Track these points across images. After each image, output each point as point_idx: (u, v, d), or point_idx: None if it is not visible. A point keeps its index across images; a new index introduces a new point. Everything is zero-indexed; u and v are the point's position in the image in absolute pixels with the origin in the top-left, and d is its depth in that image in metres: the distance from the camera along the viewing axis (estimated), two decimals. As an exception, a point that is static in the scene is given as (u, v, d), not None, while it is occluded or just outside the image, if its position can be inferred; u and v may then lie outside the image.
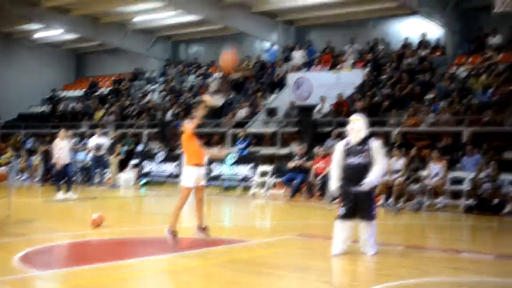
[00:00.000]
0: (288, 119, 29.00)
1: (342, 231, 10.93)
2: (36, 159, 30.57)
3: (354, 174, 10.77)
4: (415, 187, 19.90)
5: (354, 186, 10.75)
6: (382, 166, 11.05)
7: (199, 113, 12.10)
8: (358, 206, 10.79)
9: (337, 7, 32.59)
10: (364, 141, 10.89)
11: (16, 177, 30.44)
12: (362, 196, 10.76)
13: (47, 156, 27.14)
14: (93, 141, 26.89)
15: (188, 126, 12.21)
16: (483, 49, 28.42)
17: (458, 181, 20.44)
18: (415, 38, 30.87)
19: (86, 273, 10.18)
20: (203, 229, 12.49)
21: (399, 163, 20.60)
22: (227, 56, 12.85)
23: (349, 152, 10.86)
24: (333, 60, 31.90)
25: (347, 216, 10.87)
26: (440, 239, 14.61)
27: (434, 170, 20.20)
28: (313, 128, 25.61)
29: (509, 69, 26.28)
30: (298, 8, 33.54)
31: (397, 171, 20.48)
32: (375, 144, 10.96)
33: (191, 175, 12.10)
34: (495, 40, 28.49)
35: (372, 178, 10.78)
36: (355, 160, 10.81)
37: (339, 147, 11.06)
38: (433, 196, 19.99)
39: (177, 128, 12.80)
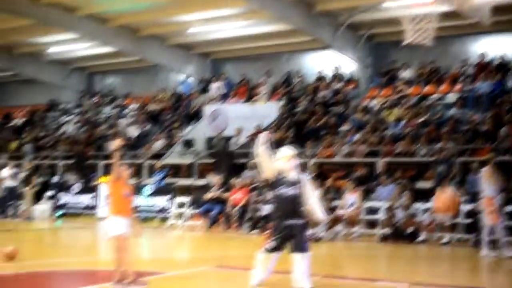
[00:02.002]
0: (206, 150, 29.08)
1: (265, 262, 10.45)
2: None
3: (287, 205, 10.29)
4: (329, 216, 20.15)
5: (287, 219, 10.25)
6: (317, 198, 10.86)
7: (115, 160, 11.35)
8: (291, 238, 10.27)
9: (251, 40, 32.98)
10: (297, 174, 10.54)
11: None
12: (297, 228, 10.27)
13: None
14: (4, 173, 26.43)
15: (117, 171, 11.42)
16: (395, 82, 29.13)
17: (373, 210, 20.81)
18: (329, 71, 31.40)
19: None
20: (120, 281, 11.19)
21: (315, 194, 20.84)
22: None
23: (282, 182, 10.38)
24: (248, 93, 32.15)
25: (275, 249, 10.39)
26: (356, 268, 14.83)
27: (349, 200, 20.51)
28: (229, 159, 25.71)
29: (419, 102, 27.02)
30: (213, 41, 33.80)
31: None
32: (305, 176, 10.77)
33: (116, 224, 11.12)
34: (406, 73, 29.24)
35: (321, 213, 10.59)
36: (288, 191, 10.33)
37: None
38: (349, 226, 20.27)
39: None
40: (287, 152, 10.67)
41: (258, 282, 10.55)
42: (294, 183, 10.35)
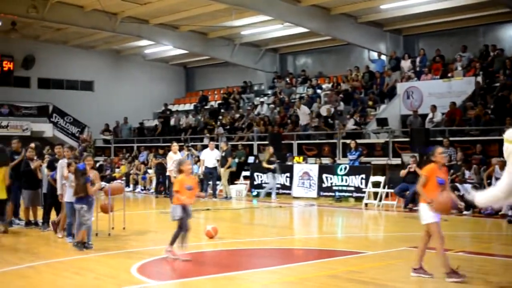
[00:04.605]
0: (400, 128, 28.71)
1: None
2: (150, 172, 31.33)
3: None
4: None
5: None
6: None
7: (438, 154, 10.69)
8: None
9: (445, 14, 32.02)
10: None
11: (131, 190, 31.27)
12: None
13: (160, 168, 27.66)
14: (205, 154, 27.27)
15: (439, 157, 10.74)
16: None
17: None
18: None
19: (200, 285, 10.29)
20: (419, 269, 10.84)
21: None
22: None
23: None
24: (443, 69, 31.30)
25: None
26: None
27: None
28: (425, 137, 25.17)
29: None
30: (406, 17, 33.16)
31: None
32: None
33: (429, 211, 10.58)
34: None
35: None
36: None
37: None
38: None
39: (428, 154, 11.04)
40: None
41: None
42: None
